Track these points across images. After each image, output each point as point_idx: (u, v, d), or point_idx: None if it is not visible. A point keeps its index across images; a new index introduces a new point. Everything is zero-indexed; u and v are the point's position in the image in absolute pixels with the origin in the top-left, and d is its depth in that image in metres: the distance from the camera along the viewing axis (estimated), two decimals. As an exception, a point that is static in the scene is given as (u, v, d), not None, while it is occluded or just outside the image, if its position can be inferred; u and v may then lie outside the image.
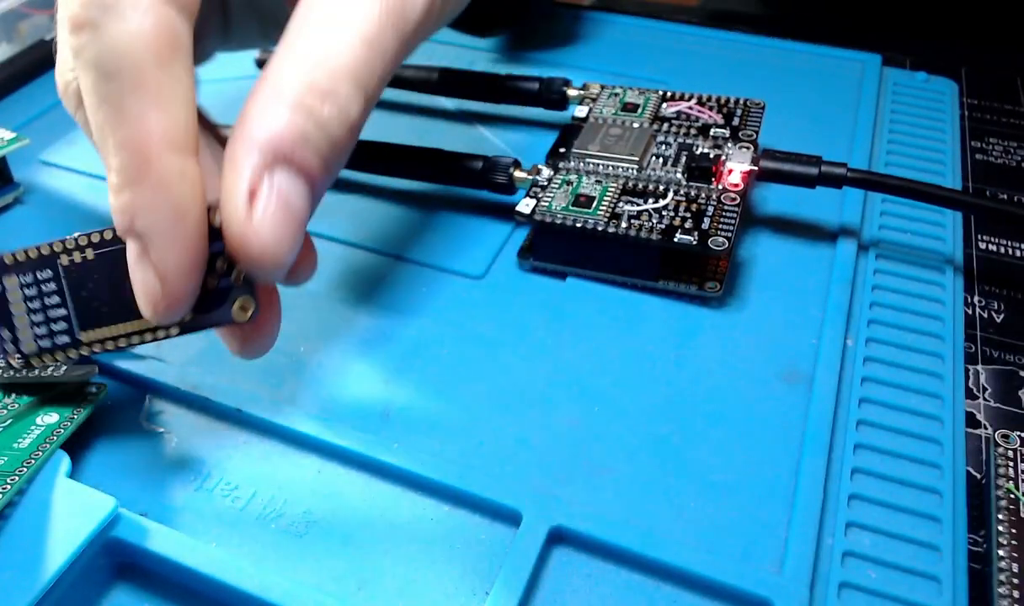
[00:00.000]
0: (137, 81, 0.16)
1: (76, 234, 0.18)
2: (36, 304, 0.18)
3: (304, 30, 0.19)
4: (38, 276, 0.18)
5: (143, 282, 0.17)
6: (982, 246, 0.26)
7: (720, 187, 0.24)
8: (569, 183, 0.24)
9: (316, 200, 0.18)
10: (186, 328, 0.18)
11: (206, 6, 0.19)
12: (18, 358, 0.18)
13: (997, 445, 0.19)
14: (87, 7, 0.16)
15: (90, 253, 0.18)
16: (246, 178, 0.17)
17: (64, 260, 0.18)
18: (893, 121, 0.30)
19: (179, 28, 0.17)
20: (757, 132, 0.26)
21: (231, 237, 0.17)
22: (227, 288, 0.18)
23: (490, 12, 0.24)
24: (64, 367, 0.19)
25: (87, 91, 0.17)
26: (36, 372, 0.19)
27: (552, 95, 0.29)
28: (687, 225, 0.23)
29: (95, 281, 0.18)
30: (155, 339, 0.19)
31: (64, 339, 0.18)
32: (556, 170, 0.25)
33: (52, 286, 0.18)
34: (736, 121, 0.26)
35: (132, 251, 0.17)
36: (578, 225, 0.23)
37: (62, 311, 0.18)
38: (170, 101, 0.17)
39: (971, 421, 0.21)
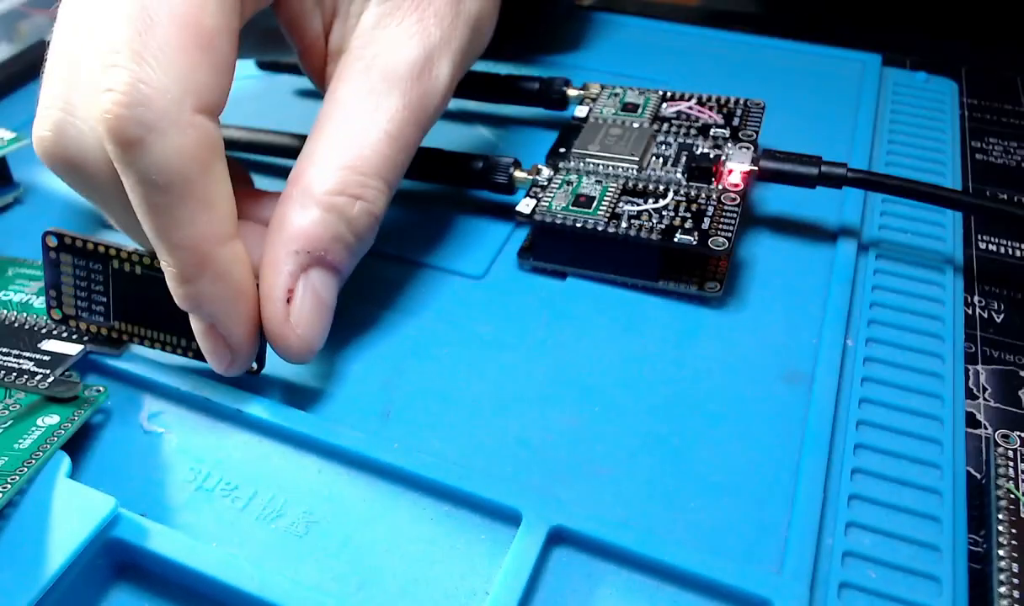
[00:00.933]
0: (187, 191, 0.17)
1: (132, 248, 0.20)
2: (83, 284, 0.20)
3: (331, 131, 0.20)
4: (90, 265, 0.20)
5: (213, 350, 0.19)
6: (982, 246, 0.26)
7: (720, 187, 0.24)
8: (569, 183, 0.24)
9: (342, 284, 0.21)
10: (200, 357, 0.20)
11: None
12: (57, 312, 0.21)
13: (997, 445, 0.19)
14: (129, 125, 0.17)
15: (139, 269, 0.20)
16: (284, 284, 0.19)
17: (115, 264, 0.20)
18: (893, 121, 0.30)
19: (213, 132, 0.18)
20: (757, 132, 0.26)
21: (271, 334, 0.19)
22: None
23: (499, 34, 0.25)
24: (51, 379, 0.20)
25: (136, 198, 0.18)
26: (69, 334, 0.21)
27: (552, 95, 0.29)
28: (687, 225, 0.23)
29: (136, 289, 0.20)
30: (172, 351, 0.21)
31: (98, 319, 0.21)
32: (556, 170, 0.25)
33: (99, 277, 0.20)
34: (736, 121, 0.26)
35: (198, 325, 0.19)
36: (578, 225, 0.23)
37: (103, 299, 0.21)
38: (216, 201, 0.18)
39: (971, 421, 0.21)
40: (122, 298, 0.21)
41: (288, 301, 0.19)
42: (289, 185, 0.20)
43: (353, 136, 0.20)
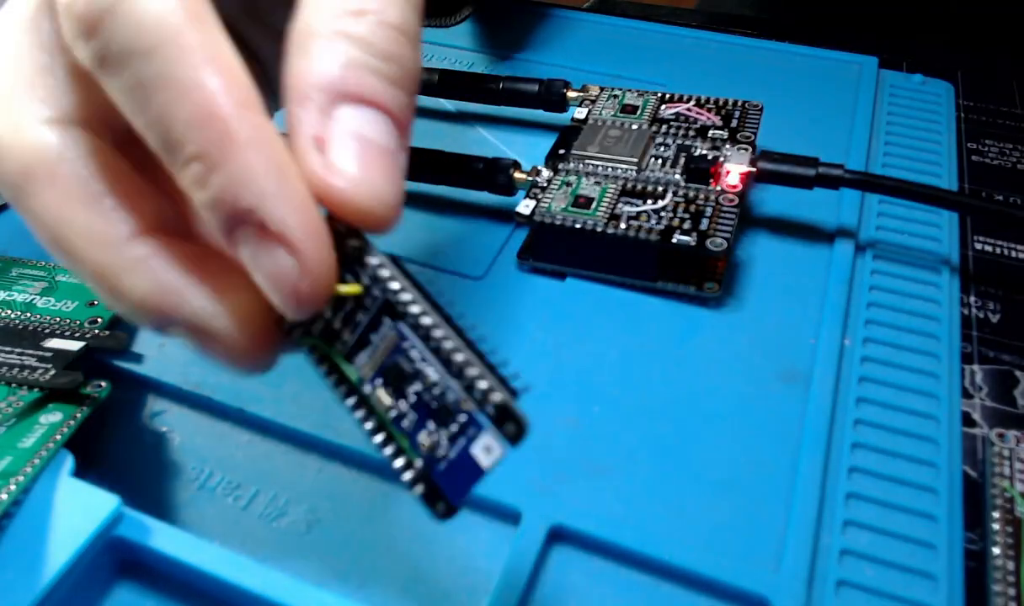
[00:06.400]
0: (180, 46, 0.14)
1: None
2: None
3: None
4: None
5: (274, 268, 0.14)
6: (978, 247, 0.26)
7: (718, 188, 0.24)
8: (568, 184, 0.25)
9: (402, 127, 0.16)
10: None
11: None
12: None
13: (992, 444, 0.19)
14: (91, 2, 0.14)
15: None
16: (308, 132, 0.15)
17: None
18: (890, 123, 0.30)
19: None
20: (755, 134, 0.26)
21: (316, 189, 0.15)
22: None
23: None
24: (52, 372, 0.20)
25: (127, 95, 0.14)
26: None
27: (552, 97, 0.29)
28: (686, 226, 0.23)
29: None
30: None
31: None
32: (556, 171, 0.25)
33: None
34: (734, 123, 0.27)
35: (249, 239, 0.14)
36: (577, 226, 0.23)
37: None
38: (221, 55, 0.14)
39: (967, 420, 0.21)
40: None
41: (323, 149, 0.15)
42: (289, 36, 0.16)
43: None
